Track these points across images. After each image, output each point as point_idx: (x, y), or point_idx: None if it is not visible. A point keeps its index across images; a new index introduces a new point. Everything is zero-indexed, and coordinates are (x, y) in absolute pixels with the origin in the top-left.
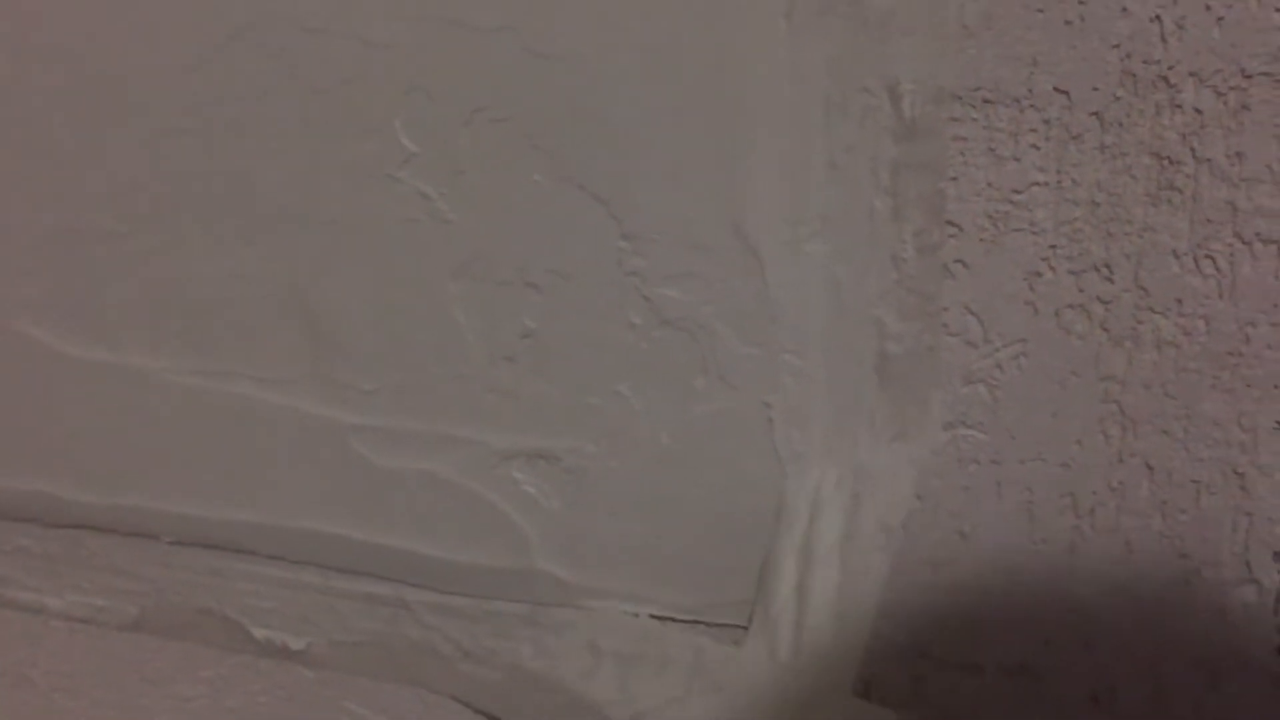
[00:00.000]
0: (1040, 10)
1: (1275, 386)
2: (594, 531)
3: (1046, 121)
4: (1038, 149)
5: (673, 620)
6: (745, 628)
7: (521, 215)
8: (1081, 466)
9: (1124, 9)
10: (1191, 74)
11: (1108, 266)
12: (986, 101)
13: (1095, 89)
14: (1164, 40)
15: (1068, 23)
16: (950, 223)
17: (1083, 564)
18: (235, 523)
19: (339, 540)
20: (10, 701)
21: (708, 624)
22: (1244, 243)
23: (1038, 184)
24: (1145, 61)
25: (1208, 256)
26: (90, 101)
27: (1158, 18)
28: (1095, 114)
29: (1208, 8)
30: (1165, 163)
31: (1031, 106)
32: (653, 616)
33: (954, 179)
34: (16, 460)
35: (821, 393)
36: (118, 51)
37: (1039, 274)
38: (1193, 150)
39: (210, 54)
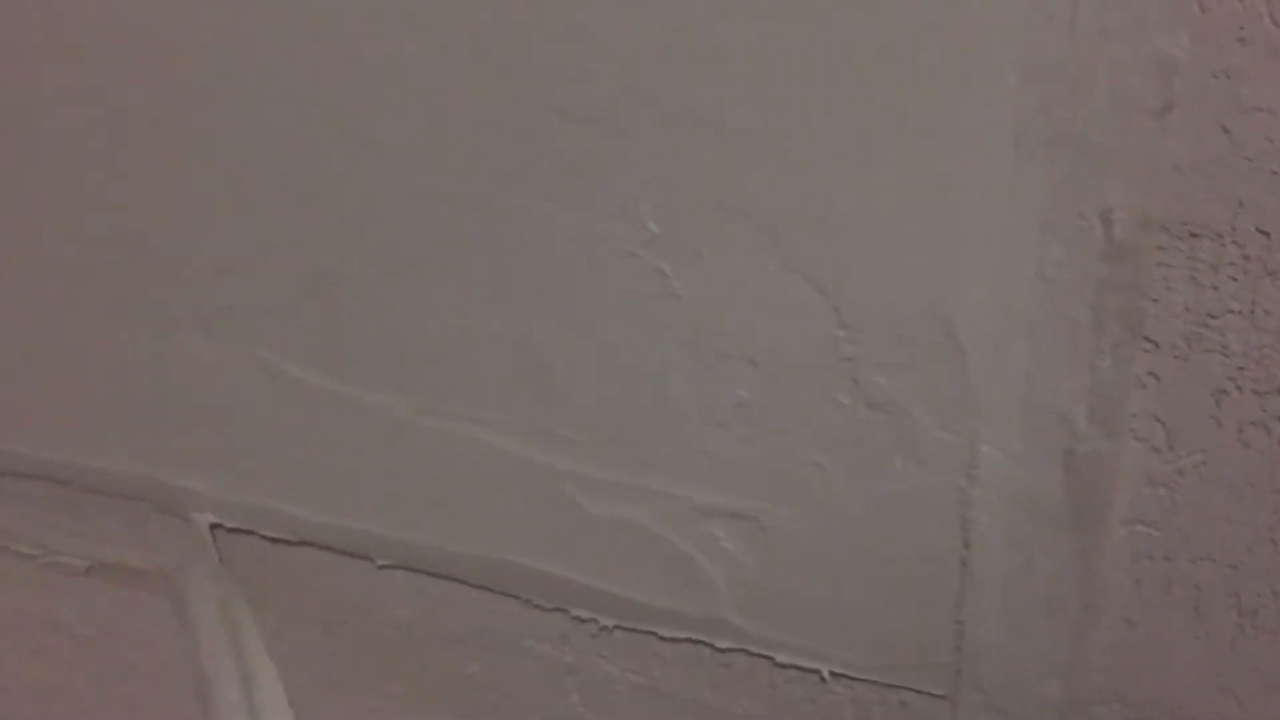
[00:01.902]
0: (1249, 159)
1: None
2: (780, 588)
3: (1246, 257)
4: (1235, 280)
5: (845, 677)
6: (912, 690)
7: (748, 298)
8: (1249, 569)
9: None
10: None
11: None
12: (1192, 235)
13: None
14: None
15: (1274, 173)
16: (1147, 339)
17: (1242, 660)
18: (445, 551)
19: (540, 575)
20: None
21: (876, 683)
22: None
23: (1232, 311)
24: None
25: None
26: (366, 161)
27: None
28: None
29: None
30: None
31: (1234, 242)
32: (832, 673)
33: (1154, 300)
34: (250, 477)
35: (1010, 480)
36: (393, 119)
37: (1225, 391)
38: None
39: (476, 131)
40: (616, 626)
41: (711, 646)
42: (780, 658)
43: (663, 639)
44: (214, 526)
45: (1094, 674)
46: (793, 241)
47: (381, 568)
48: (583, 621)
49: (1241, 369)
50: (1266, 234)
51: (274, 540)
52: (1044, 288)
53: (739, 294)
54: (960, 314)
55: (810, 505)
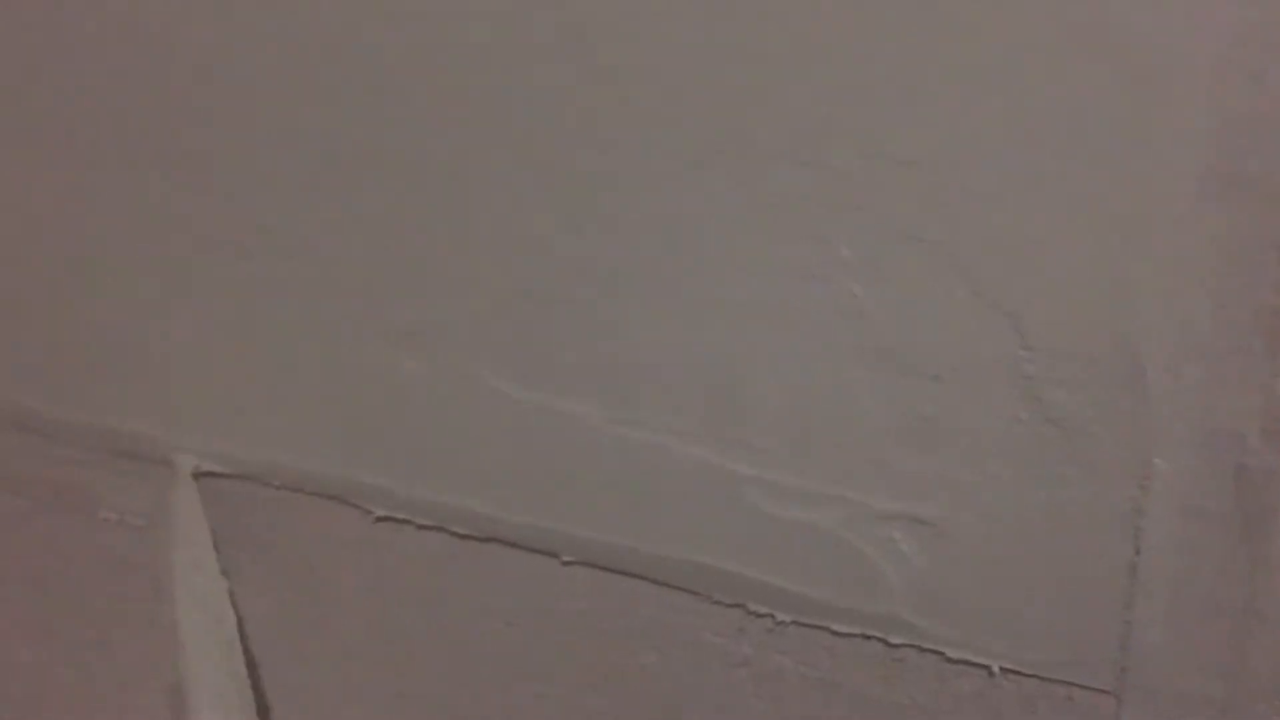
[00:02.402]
0: None
1: None
2: (953, 587)
3: None
4: None
5: (1013, 672)
6: (1079, 685)
7: (935, 319)
8: None
9: None
10: None
11: None
12: None
13: None
14: None
15: None
16: None
17: None
18: (628, 549)
19: (719, 572)
20: None
21: (1043, 678)
22: None
23: None
24: None
25: None
26: (572, 188)
27: None
28: None
29: None
30: None
31: None
32: (1001, 668)
33: None
34: (443, 478)
35: (1182, 493)
36: (602, 149)
37: None
38: None
39: (680, 162)
40: (793, 622)
41: (884, 642)
42: (950, 653)
43: (836, 634)
44: (382, 519)
45: (1255, 675)
46: (980, 268)
47: (565, 564)
48: (759, 616)
49: None
50: None
51: (462, 536)
52: (1220, 315)
53: (926, 315)
54: (1140, 338)
55: (985, 512)
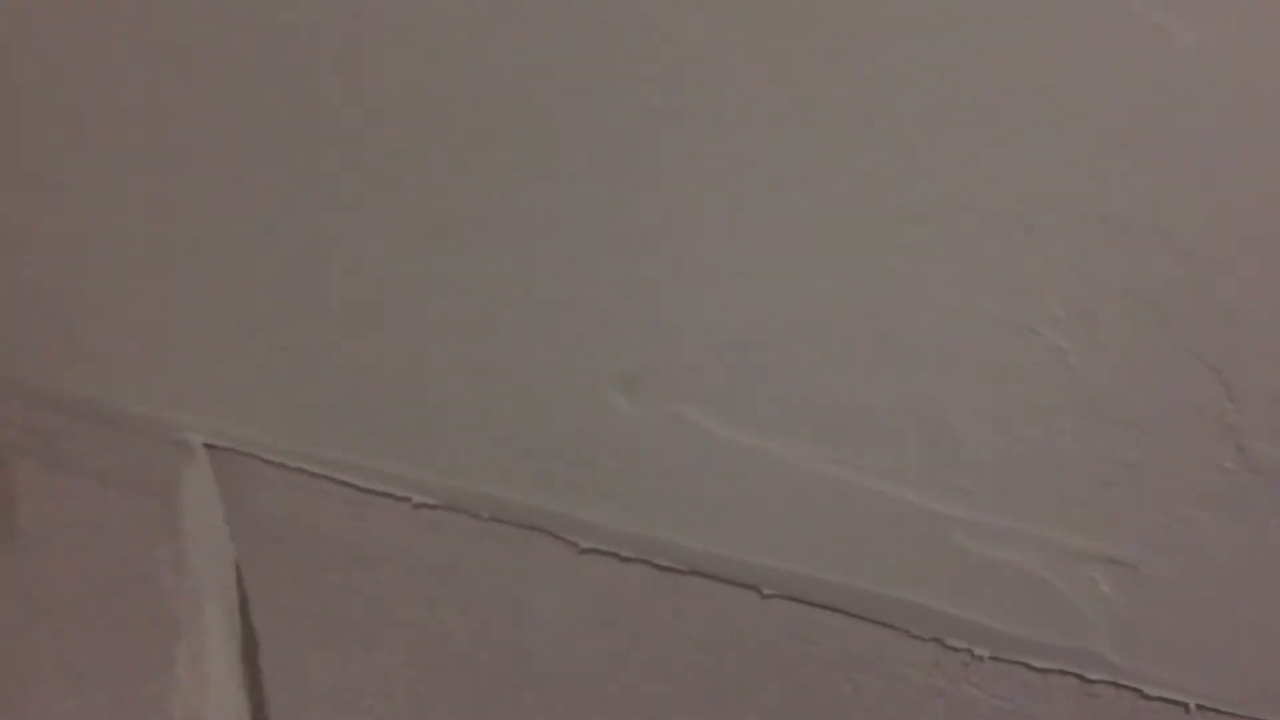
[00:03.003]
0: None
1: None
2: (1153, 626)
3: None
4: None
5: (1211, 709)
6: None
7: (1141, 372)
8: None
9: None
10: None
11: None
12: None
13: None
14: None
15: None
16: None
17: None
18: (828, 583)
19: (918, 607)
20: None
21: (1241, 715)
22: None
23: None
24: None
25: None
26: (785, 244)
27: None
28: None
29: None
30: None
31: None
32: (1198, 705)
33: None
34: (646, 512)
35: None
36: (819, 211)
37: None
38: None
39: (896, 222)
40: (990, 656)
41: (1081, 678)
42: (1148, 690)
43: (1033, 669)
44: (587, 550)
45: None
46: (1188, 324)
47: (765, 597)
48: (956, 650)
49: None
50: None
51: (665, 569)
52: None
53: (1132, 369)
54: None
55: (1187, 556)
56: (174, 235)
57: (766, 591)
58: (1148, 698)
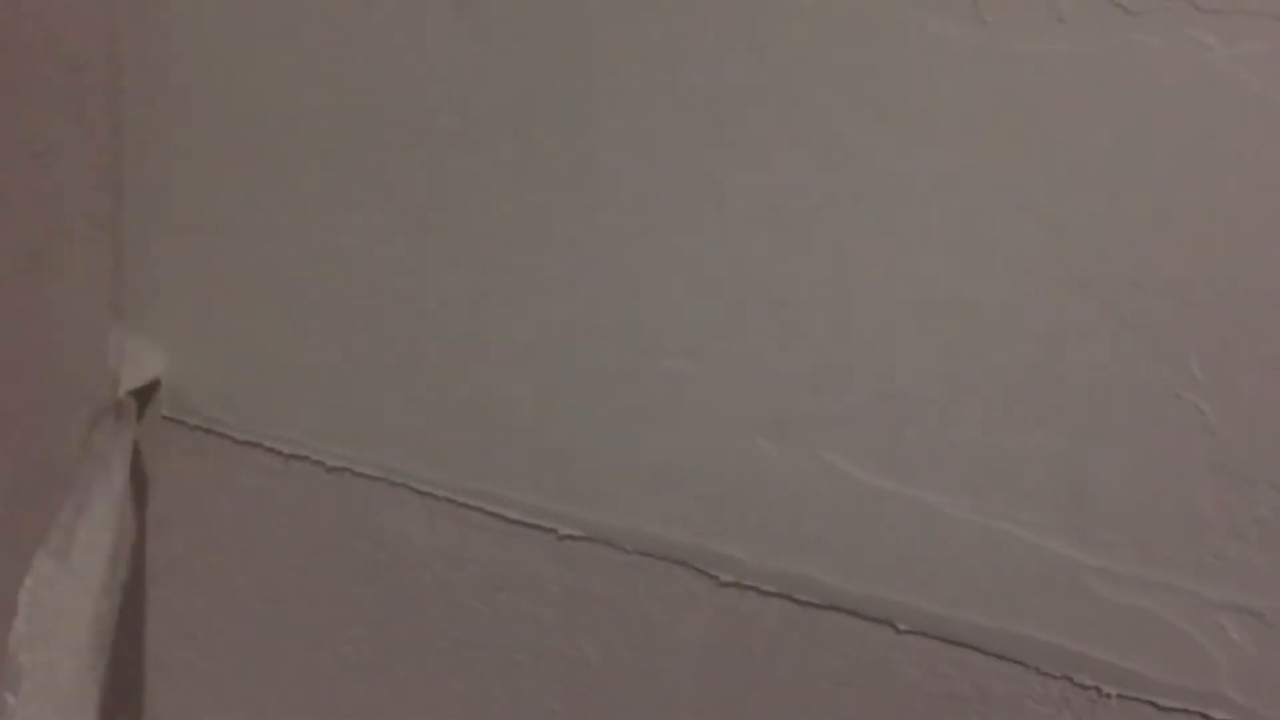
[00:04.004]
0: None
1: None
2: (1276, 671)
3: None
4: None
5: None
6: None
7: (1275, 433)
8: None
9: None
10: None
11: None
12: None
13: None
14: None
15: None
16: None
17: None
18: (964, 621)
19: (1050, 646)
20: None
21: None
22: None
23: None
24: None
25: None
26: (940, 310)
27: None
28: None
29: None
30: None
31: None
32: None
33: None
34: (796, 551)
35: None
36: (978, 277)
37: None
38: None
39: (1052, 295)
40: (1118, 695)
41: (1205, 716)
42: None
43: (1160, 708)
44: (727, 584)
45: None
46: None
47: (900, 632)
48: (1084, 689)
49: None
50: None
51: (803, 603)
52: None
53: (1272, 430)
54: None
55: None
56: (338, 280)
57: (902, 628)
58: None
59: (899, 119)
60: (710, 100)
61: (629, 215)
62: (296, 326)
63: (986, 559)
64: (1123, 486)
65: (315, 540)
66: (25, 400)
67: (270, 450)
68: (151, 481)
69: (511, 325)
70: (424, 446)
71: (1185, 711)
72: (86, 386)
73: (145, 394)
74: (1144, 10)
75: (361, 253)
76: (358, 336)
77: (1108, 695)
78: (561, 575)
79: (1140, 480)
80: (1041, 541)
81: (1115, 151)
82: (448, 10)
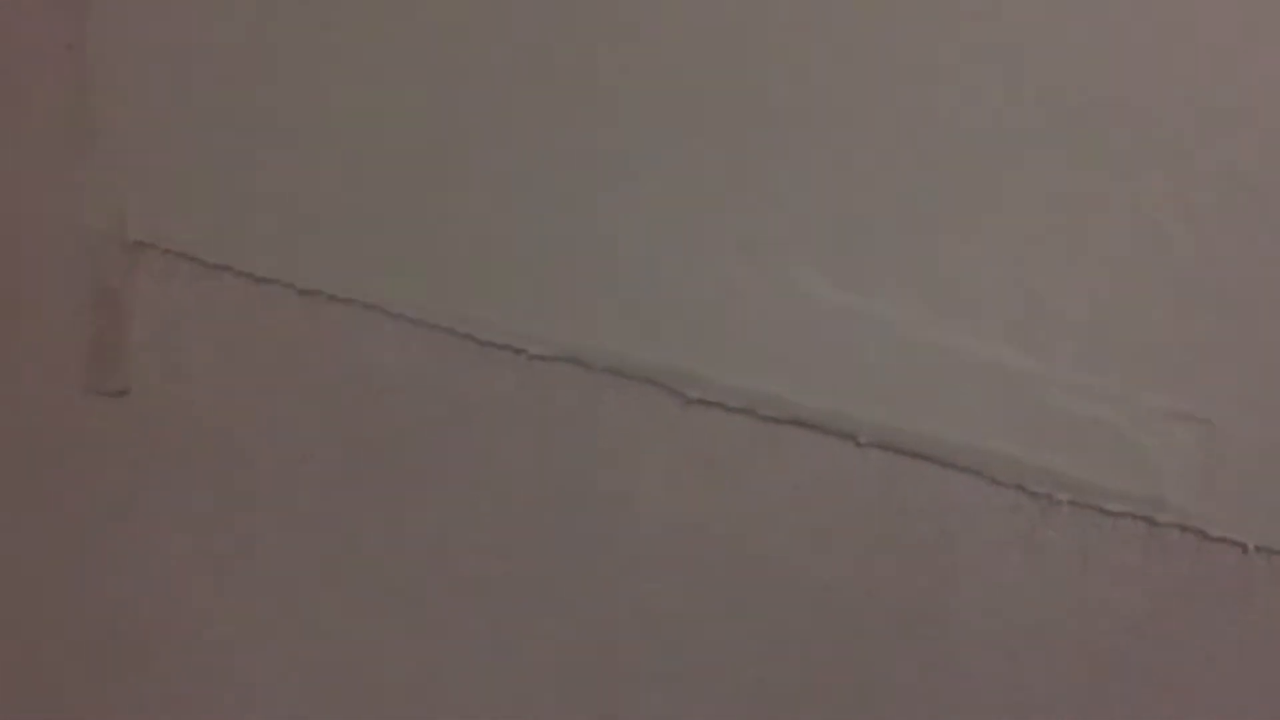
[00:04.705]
0: None
1: None
2: (1221, 476)
3: None
4: None
5: (1269, 550)
6: None
7: (1232, 250)
8: None
9: None
10: None
11: None
12: None
13: None
14: None
15: None
16: None
17: None
18: (920, 434)
19: (1003, 456)
20: None
21: None
22: None
23: None
24: None
25: None
26: (897, 135)
27: None
28: None
29: None
30: None
31: None
32: (1256, 546)
33: None
34: (760, 368)
35: None
36: (927, 96)
37: None
38: None
39: (1004, 112)
40: (1068, 501)
41: (1150, 520)
42: (1211, 531)
43: (1107, 513)
44: (694, 401)
45: None
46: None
47: (860, 446)
48: (1036, 496)
49: None
50: None
51: (767, 419)
52: None
53: (1224, 247)
54: None
55: (1259, 412)
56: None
57: (862, 441)
58: (1210, 538)
59: None
60: None
61: (592, 32)
62: (268, 148)
63: (944, 372)
64: (1079, 301)
65: (289, 364)
66: None
67: (242, 274)
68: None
69: (480, 145)
70: (395, 269)
71: (1131, 516)
72: (53, 212)
73: (114, 218)
74: None
75: (330, 73)
76: (329, 159)
77: (1058, 502)
78: (532, 395)
79: (1096, 294)
80: (998, 354)
81: None
82: None
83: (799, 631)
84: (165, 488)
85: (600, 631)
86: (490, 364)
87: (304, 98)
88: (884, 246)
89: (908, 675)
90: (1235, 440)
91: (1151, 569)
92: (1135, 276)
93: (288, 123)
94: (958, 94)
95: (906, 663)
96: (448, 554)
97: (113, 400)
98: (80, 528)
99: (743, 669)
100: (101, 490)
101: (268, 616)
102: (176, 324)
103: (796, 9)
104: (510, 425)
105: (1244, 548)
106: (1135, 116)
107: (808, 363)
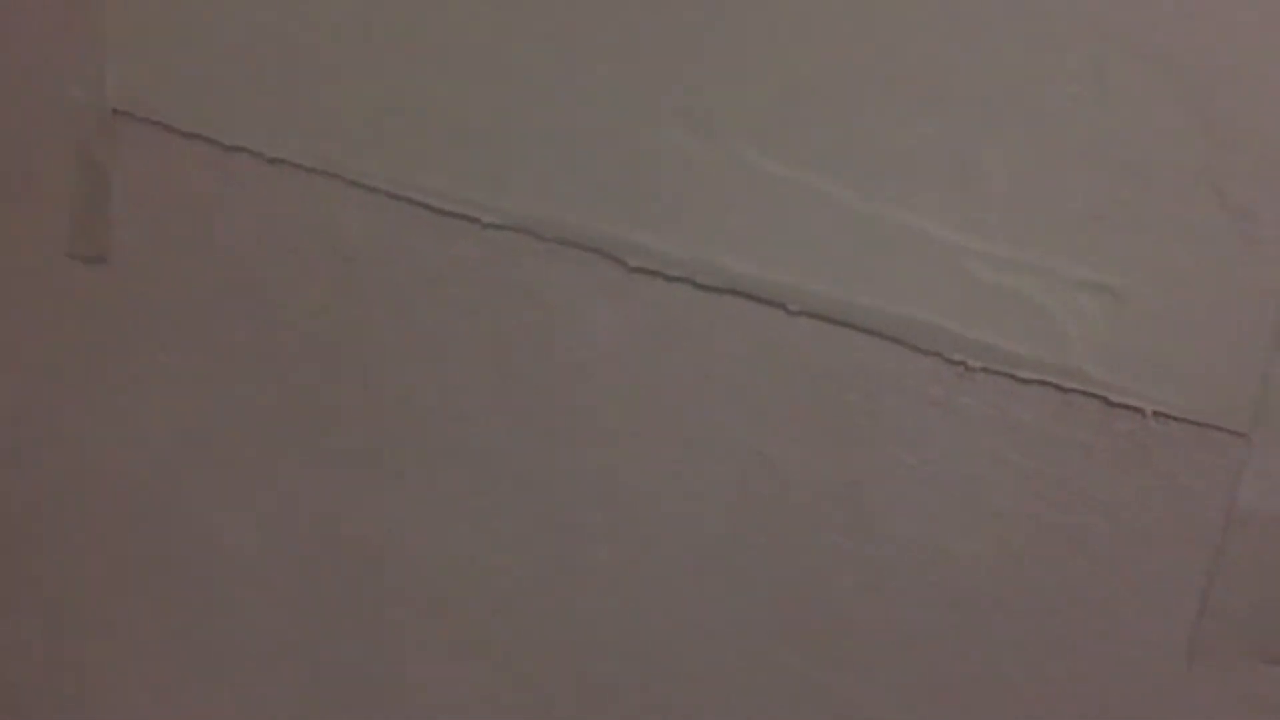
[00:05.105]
0: None
1: None
2: (1123, 344)
3: None
4: None
5: (1164, 415)
6: (1218, 428)
7: (1140, 120)
8: None
9: None
10: None
11: None
12: None
13: None
14: None
15: None
16: None
17: None
18: (847, 302)
19: (924, 324)
20: None
21: (1189, 421)
22: None
23: None
24: None
25: None
26: (837, 5)
27: None
28: None
29: None
30: None
31: None
32: (1154, 412)
33: None
34: (700, 237)
35: None
36: None
37: None
38: None
39: None
40: (982, 369)
41: (1058, 387)
42: (1112, 397)
43: (1019, 380)
44: (636, 269)
45: None
46: (1187, 77)
47: (791, 314)
48: (952, 364)
49: None
50: None
51: (704, 287)
52: None
53: (1136, 118)
54: None
55: (1161, 282)
56: None
57: (793, 309)
58: (1112, 404)
59: None
60: None
61: None
62: (238, 16)
63: (874, 243)
64: (1001, 172)
65: (257, 233)
66: None
67: (211, 141)
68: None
69: (438, 18)
70: (357, 137)
71: (1042, 383)
72: (33, 81)
73: (94, 86)
74: None
75: None
76: (295, 29)
77: (973, 369)
78: (487, 264)
79: (1017, 166)
80: (923, 224)
81: None
82: None
83: (738, 497)
84: (142, 352)
85: (556, 496)
86: (447, 233)
87: None
88: (820, 119)
89: (836, 537)
90: (1137, 309)
91: (1059, 434)
92: (1052, 150)
93: None
94: None
95: (835, 526)
96: (412, 417)
97: (91, 266)
98: (60, 389)
99: (687, 531)
100: (80, 352)
101: (242, 479)
102: (152, 191)
103: None
104: (467, 292)
105: (1142, 413)
106: None
107: (743, 232)
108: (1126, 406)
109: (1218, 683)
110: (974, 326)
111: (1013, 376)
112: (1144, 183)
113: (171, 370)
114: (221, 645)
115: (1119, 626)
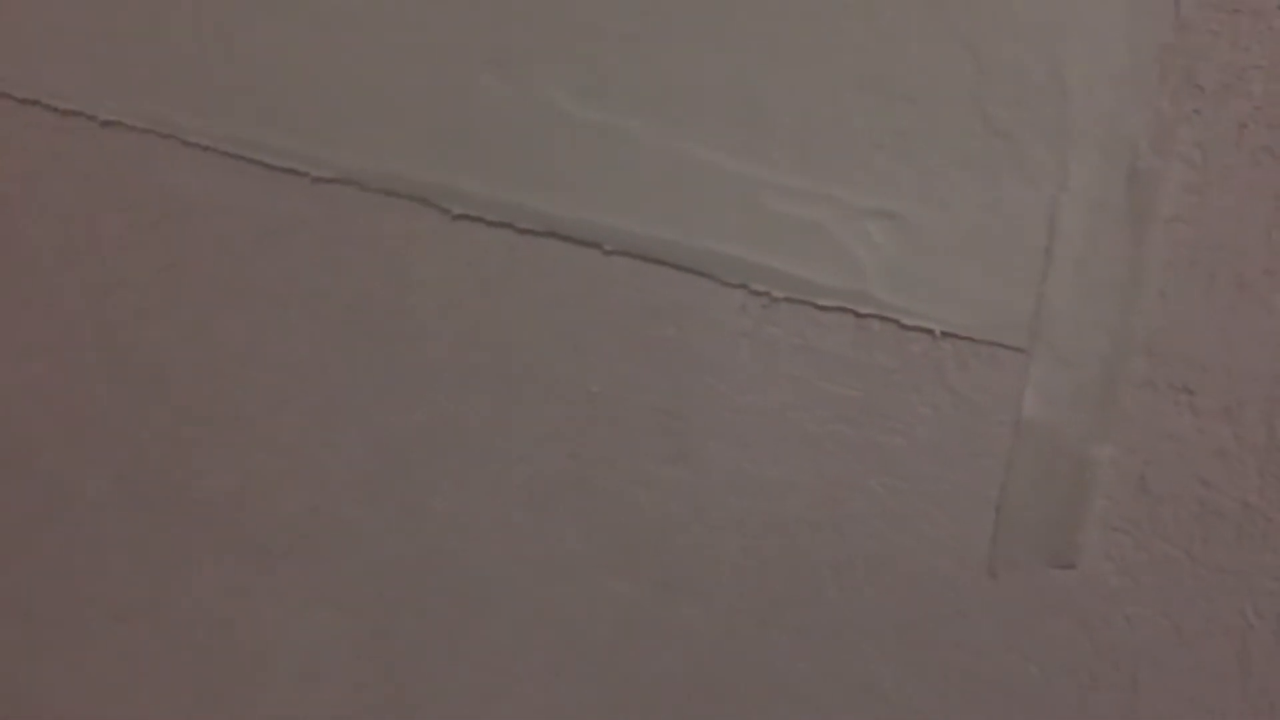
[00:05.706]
0: None
1: None
2: (911, 269)
3: (1270, 28)
4: (1262, 44)
5: (952, 335)
6: (1001, 345)
7: (911, 48)
8: (1251, 251)
9: None
10: None
11: None
12: (1234, 11)
13: None
14: None
15: None
16: (1196, 85)
17: (1243, 322)
18: (658, 239)
19: (728, 257)
20: None
21: (974, 339)
22: None
23: (1257, 67)
24: None
25: None
26: None
27: None
28: None
29: None
30: None
31: (1263, 16)
32: (943, 332)
33: (1203, 59)
34: (518, 182)
35: (1089, 189)
36: None
37: (1245, 125)
38: None
39: None
40: (785, 298)
41: (855, 313)
42: (905, 320)
43: (818, 308)
44: (459, 216)
45: (1134, 333)
46: (953, 9)
47: (607, 253)
48: (758, 295)
49: (1259, 109)
50: None
51: (524, 231)
52: (1127, 50)
53: (904, 46)
54: (1068, 66)
55: (941, 207)
56: None
57: (608, 248)
58: (905, 327)
59: None
60: None
61: None
62: None
63: (676, 180)
64: (788, 106)
65: (96, 195)
66: None
67: (47, 107)
68: None
69: None
70: (187, 96)
71: (840, 310)
72: None
73: None
74: None
75: None
76: None
77: (777, 299)
78: (318, 218)
79: (802, 99)
80: (721, 159)
81: None
82: None
83: (567, 435)
84: None
85: (396, 438)
86: (279, 188)
87: None
88: (619, 62)
89: (660, 468)
90: (920, 234)
91: (859, 359)
92: (831, 83)
93: None
94: None
95: (658, 457)
96: (251, 371)
97: None
98: None
99: (520, 470)
100: None
101: (89, 438)
102: None
103: None
104: (300, 245)
105: (933, 334)
106: None
107: (557, 175)
108: (918, 329)
109: (1018, 589)
110: (773, 257)
111: (814, 305)
112: (918, 111)
113: (11, 336)
114: (69, 596)
115: (926, 542)
